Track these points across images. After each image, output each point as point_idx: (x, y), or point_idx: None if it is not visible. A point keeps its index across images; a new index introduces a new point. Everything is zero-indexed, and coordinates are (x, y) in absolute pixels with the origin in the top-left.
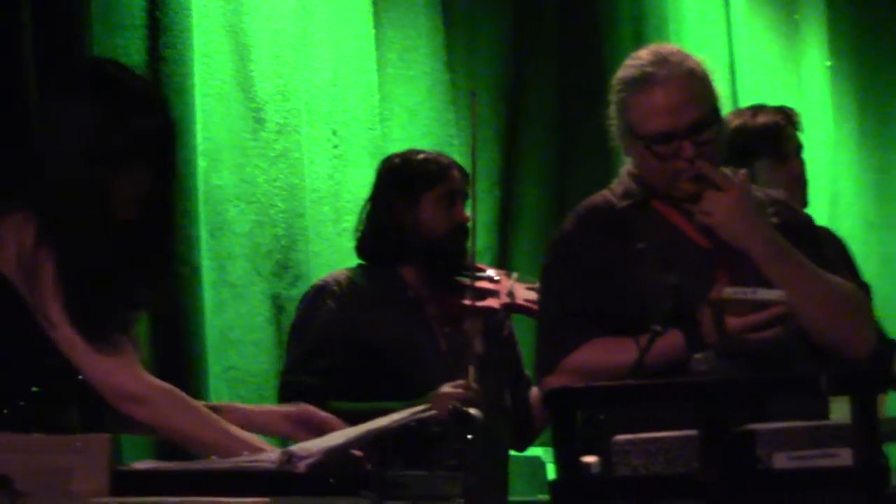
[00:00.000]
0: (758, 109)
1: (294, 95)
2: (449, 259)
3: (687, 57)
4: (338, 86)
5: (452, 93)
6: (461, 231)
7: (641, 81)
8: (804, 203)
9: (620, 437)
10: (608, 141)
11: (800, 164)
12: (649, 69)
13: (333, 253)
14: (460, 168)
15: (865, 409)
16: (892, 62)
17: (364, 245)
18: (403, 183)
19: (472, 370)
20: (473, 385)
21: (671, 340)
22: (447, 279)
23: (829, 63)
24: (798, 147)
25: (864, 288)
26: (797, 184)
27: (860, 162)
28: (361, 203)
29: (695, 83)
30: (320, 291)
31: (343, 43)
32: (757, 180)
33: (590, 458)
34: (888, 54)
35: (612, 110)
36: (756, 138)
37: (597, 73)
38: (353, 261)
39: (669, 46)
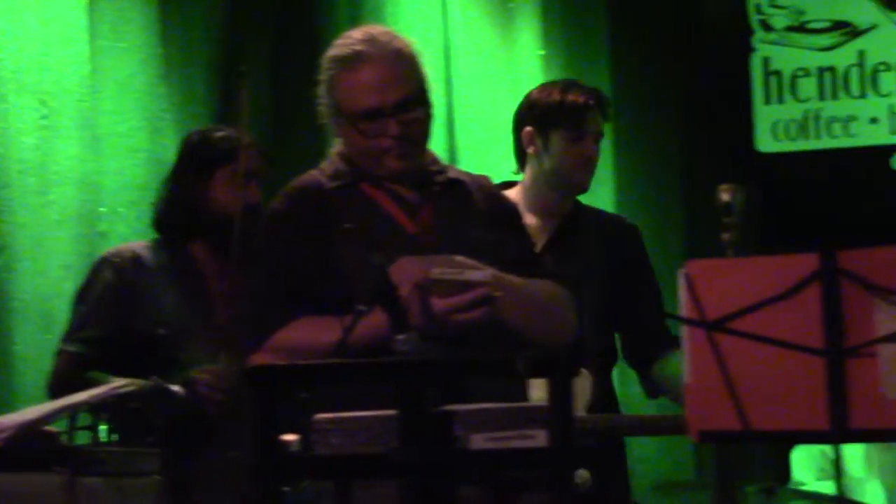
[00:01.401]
0: (570, 85)
1: (1, 64)
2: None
3: (395, 37)
4: (47, 55)
5: (165, 66)
6: (252, 211)
7: (349, 60)
8: (583, 187)
9: (320, 416)
10: (320, 120)
11: (594, 148)
12: (357, 48)
13: (39, 225)
14: (259, 148)
15: (561, 392)
16: (601, 52)
17: (157, 219)
18: (198, 159)
19: (224, 356)
20: (223, 371)
21: (375, 321)
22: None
23: (541, 51)
24: (598, 133)
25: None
26: (585, 165)
27: None
28: (69, 175)
29: (402, 63)
30: (100, 263)
31: (53, 12)
32: (549, 150)
33: (289, 437)
34: (598, 44)
35: (322, 89)
36: (557, 110)
37: (312, 52)
38: (58, 232)
39: (379, 27)
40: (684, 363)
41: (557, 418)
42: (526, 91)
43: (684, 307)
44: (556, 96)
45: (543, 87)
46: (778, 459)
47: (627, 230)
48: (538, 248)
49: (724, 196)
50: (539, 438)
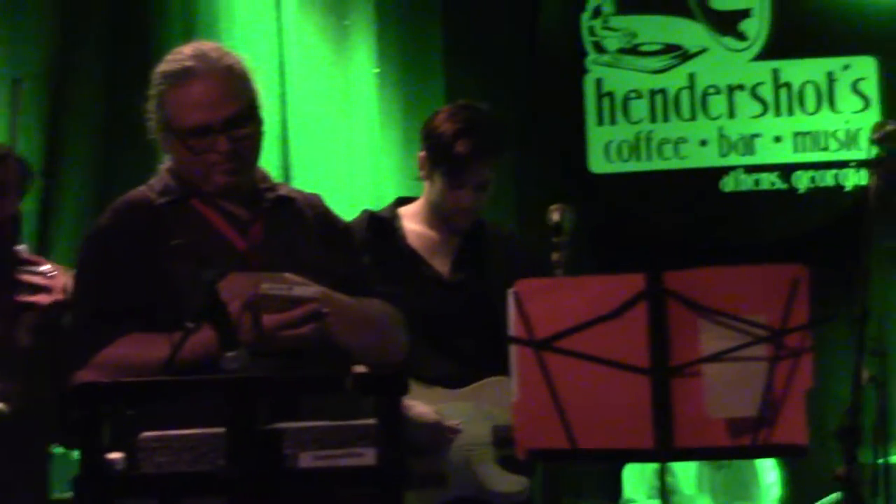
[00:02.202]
0: (467, 130)
1: None
2: None
3: (226, 54)
4: None
5: None
6: (8, 224)
7: (179, 75)
8: (459, 228)
9: (146, 434)
10: (150, 135)
11: (472, 198)
12: (187, 63)
13: None
14: (17, 159)
15: (389, 410)
16: (436, 71)
17: None
18: None
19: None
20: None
21: (204, 337)
22: None
23: (376, 69)
24: (482, 182)
25: None
26: (460, 212)
27: (403, 168)
28: None
29: (233, 79)
30: None
31: None
32: (433, 183)
33: (114, 455)
34: (433, 63)
35: (152, 104)
36: (441, 154)
37: (144, 66)
38: None
39: (210, 43)
40: (512, 381)
41: (386, 436)
42: (359, 109)
43: (513, 326)
44: (447, 137)
45: (450, 114)
46: (610, 477)
47: (524, 246)
48: (443, 264)
49: (554, 216)
50: (368, 457)
